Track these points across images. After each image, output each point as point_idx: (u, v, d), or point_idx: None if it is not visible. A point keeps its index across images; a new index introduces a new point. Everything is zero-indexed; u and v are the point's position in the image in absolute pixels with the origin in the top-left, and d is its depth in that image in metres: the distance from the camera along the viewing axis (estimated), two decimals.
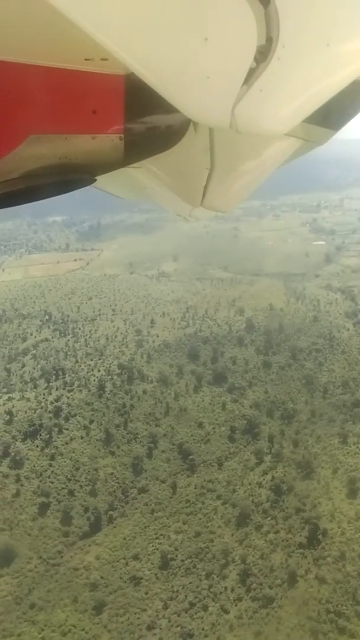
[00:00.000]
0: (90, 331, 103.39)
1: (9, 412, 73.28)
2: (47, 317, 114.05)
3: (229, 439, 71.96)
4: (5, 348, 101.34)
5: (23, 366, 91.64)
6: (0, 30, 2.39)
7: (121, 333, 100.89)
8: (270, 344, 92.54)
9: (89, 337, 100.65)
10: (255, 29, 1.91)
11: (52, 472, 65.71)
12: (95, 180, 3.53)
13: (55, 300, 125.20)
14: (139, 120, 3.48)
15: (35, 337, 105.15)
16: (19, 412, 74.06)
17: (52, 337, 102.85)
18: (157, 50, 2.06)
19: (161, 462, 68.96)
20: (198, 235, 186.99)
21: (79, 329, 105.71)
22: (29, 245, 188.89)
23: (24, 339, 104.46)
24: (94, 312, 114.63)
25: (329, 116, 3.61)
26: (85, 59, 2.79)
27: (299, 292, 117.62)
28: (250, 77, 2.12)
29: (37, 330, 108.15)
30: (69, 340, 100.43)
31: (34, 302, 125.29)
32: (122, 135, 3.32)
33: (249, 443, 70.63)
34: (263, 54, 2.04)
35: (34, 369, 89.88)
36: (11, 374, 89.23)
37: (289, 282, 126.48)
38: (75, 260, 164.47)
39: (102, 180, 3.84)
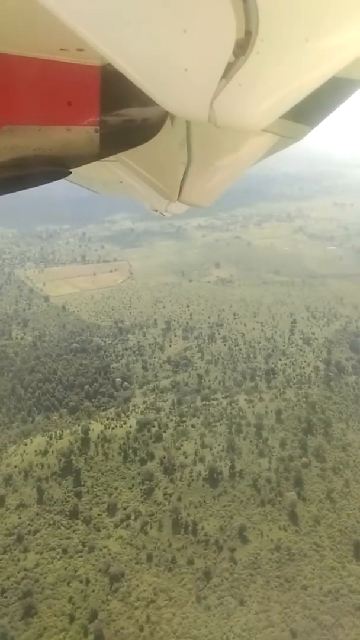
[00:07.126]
0: (237, 335, 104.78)
1: (278, 412, 73.87)
2: (164, 325, 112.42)
3: None
4: (154, 358, 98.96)
5: (207, 372, 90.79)
6: None
7: (274, 334, 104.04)
8: None
9: (243, 340, 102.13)
10: (234, 21, 1.90)
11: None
12: (70, 173, 3.49)
13: (147, 310, 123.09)
14: (115, 112, 3.45)
15: (171, 346, 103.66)
16: (281, 411, 74.88)
17: (199, 344, 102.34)
18: (135, 40, 2.05)
19: None
20: (209, 243, 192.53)
21: (220, 334, 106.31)
22: (32, 258, 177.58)
23: (162, 349, 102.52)
24: (209, 318, 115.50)
25: (307, 113, 3.56)
26: (61, 49, 2.77)
27: None
28: (229, 70, 2.13)
29: (164, 339, 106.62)
30: (226, 344, 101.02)
31: (129, 312, 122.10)
32: (98, 128, 3.29)
33: None
34: (242, 48, 2.04)
35: (226, 374, 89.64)
36: (203, 380, 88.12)
37: (356, 283, 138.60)
38: (111, 271, 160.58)
39: (77, 173, 3.86)
